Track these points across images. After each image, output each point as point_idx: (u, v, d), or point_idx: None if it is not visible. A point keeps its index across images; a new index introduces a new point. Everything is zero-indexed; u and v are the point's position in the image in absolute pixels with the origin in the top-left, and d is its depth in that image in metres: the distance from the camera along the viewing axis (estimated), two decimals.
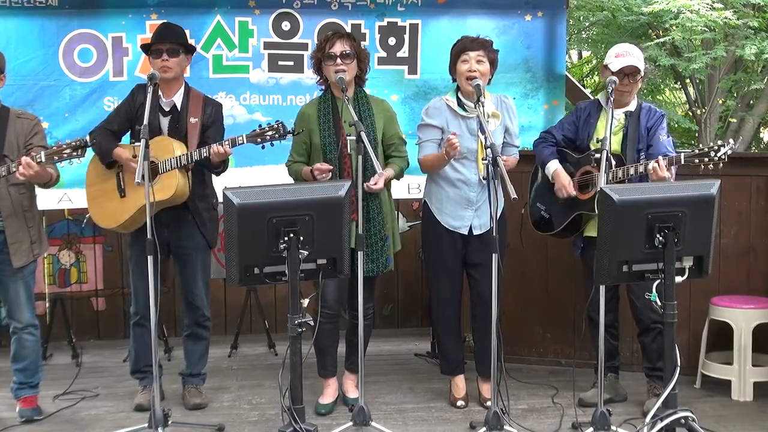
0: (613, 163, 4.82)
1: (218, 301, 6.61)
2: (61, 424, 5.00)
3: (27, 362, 5.04)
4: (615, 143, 4.96)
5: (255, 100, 6.48)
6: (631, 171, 4.74)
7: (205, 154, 4.80)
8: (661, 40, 13.34)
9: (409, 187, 6.30)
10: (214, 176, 5.21)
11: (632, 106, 5.05)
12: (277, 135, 4.75)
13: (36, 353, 5.11)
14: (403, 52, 6.56)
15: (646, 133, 4.97)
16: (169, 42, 5.02)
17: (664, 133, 4.97)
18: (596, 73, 15.70)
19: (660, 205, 3.96)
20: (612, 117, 4.76)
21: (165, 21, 5.28)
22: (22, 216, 4.89)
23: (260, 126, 4.78)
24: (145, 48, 5.16)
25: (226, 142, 4.78)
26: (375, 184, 4.78)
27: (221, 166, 5.01)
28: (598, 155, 4.65)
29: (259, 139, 4.76)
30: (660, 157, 4.62)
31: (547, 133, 5.32)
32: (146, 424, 4.49)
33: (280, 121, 4.78)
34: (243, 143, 4.79)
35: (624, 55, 4.96)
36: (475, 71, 4.90)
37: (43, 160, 4.63)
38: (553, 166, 5.12)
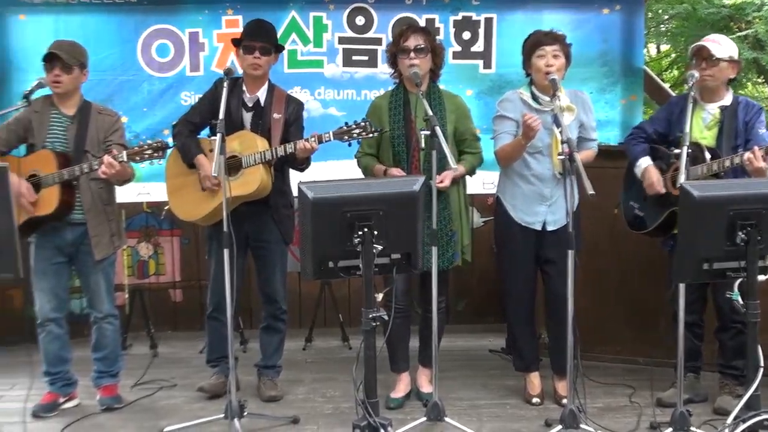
0: (708, 156, 4.71)
1: (293, 294, 6.66)
2: (140, 413, 5.10)
3: (107, 351, 5.16)
4: (710, 138, 4.84)
5: (329, 95, 6.52)
6: (727, 163, 4.60)
7: (290, 150, 4.83)
8: (744, 33, 13.02)
9: (484, 182, 6.26)
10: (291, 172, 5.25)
11: (727, 100, 4.92)
12: (364, 132, 4.76)
13: (116, 343, 5.22)
14: (478, 47, 6.52)
15: (744, 128, 4.82)
16: (262, 40, 5.07)
17: (763, 126, 4.81)
18: (675, 67, 15.38)
19: (742, 201, 3.85)
20: (692, 111, 4.63)
21: (258, 18, 5.32)
22: (103, 210, 4.99)
23: (347, 123, 4.79)
24: (236, 41, 5.21)
25: (312, 138, 4.80)
26: (441, 182, 4.75)
27: (305, 162, 5.04)
28: (677, 150, 4.54)
29: (345, 137, 4.78)
30: (755, 147, 4.48)
31: (638, 128, 5.21)
32: (222, 415, 4.55)
33: (366, 120, 4.80)
34: (330, 140, 4.81)
35: (704, 41, 4.86)
36: (551, 65, 4.84)
37: (125, 159, 4.73)
38: (644, 164, 5.00)
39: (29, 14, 6.46)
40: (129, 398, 5.30)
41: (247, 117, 5.11)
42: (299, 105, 5.28)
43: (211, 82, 5.22)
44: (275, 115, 5.08)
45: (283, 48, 5.44)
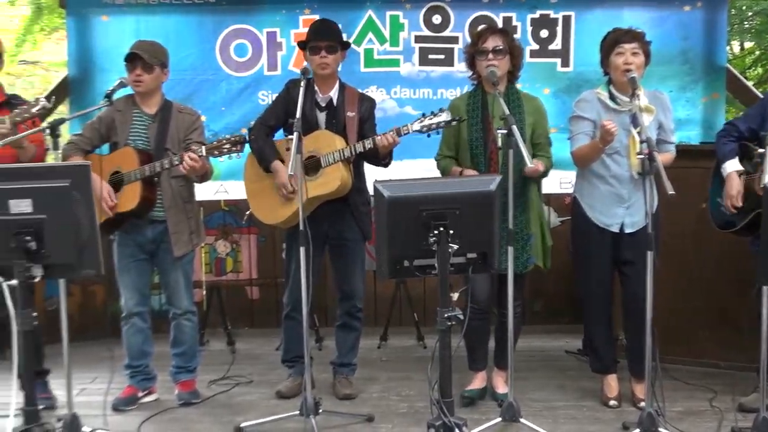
0: None
1: (368, 292, 6.63)
2: (217, 408, 5.16)
3: (185, 347, 5.24)
4: None
5: (405, 94, 6.53)
6: None
7: (369, 146, 4.84)
8: None
9: (561, 181, 6.21)
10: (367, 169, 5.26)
11: None
12: (443, 122, 4.73)
13: (193, 339, 5.30)
14: (556, 45, 6.48)
15: None
16: (326, 39, 5.09)
17: None
18: (760, 64, 15.05)
19: None
20: None
21: (321, 17, 5.35)
22: (182, 207, 5.07)
23: (424, 114, 4.77)
24: (302, 44, 5.24)
25: (392, 132, 4.80)
26: (536, 169, 4.64)
27: (388, 157, 5.04)
28: (761, 150, 4.42)
29: (424, 127, 4.75)
30: None
31: (730, 124, 5.02)
32: (297, 412, 4.58)
33: (445, 108, 4.77)
34: (408, 132, 4.79)
35: None
36: (631, 63, 4.76)
37: (204, 154, 4.80)
38: (729, 168, 4.83)
39: (111, 15, 6.61)
40: (206, 394, 5.37)
41: (321, 117, 5.12)
42: (372, 102, 5.28)
43: (289, 81, 5.25)
44: (349, 114, 5.09)
45: (349, 44, 5.43)
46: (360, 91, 5.29)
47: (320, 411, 4.58)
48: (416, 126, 4.75)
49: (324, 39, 5.08)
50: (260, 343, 6.71)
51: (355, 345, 5.42)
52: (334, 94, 5.15)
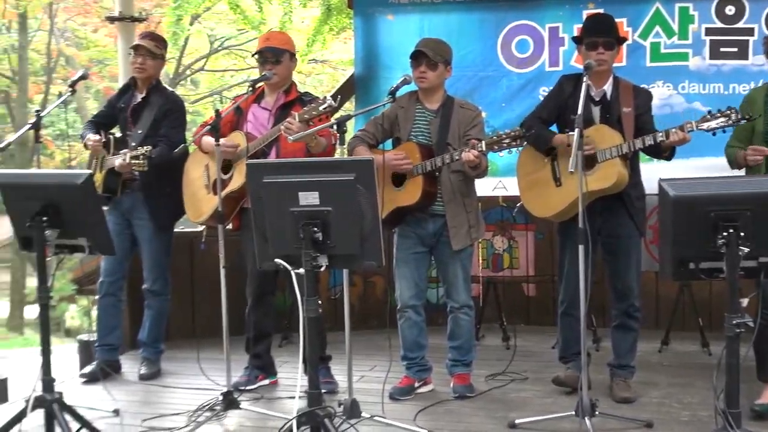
0: None
1: (649, 294, 6.46)
2: (491, 403, 5.18)
3: (461, 341, 5.30)
4: None
5: (694, 89, 6.27)
6: None
7: (650, 142, 4.70)
8: None
9: None
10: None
11: None
12: (729, 121, 4.53)
13: (470, 333, 5.34)
14: None
15: None
16: (604, 35, 4.97)
17: None
18: None
19: None
20: None
21: (597, 12, 5.26)
22: (461, 202, 5.13)
23: (710, 112, 4.59)
24: (576, 39, 5.16)
25: (676, 130, 4.63)
26: None
27: (669, 150, 4.86)
28: None
29: (704, 125, 4.57)
30: None
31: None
32: (573, 412, 4.50)
33: (733, 108, 4.55)
34: (693, 129, 4.61)
35: None
36: None
37: (483, 149, 4.83)
38: None
39: (397, 14, 6.81)
40: (481, 388, 5.40)
41: (596, 111, 5.02)
42: (647, 95, 5.13)
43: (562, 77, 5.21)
44: (625, 109, 4.95)
45: (625, 40, 5.27)
46: (634, 84, 5.13)
47: (596, 413, 4.48)
48: (703, 126, 4.58)
49: (601, 35, 4.96)
50: (536, 340, 6.67)
51: (633, 347, 5.25)
52: (608, 88, 5.03)
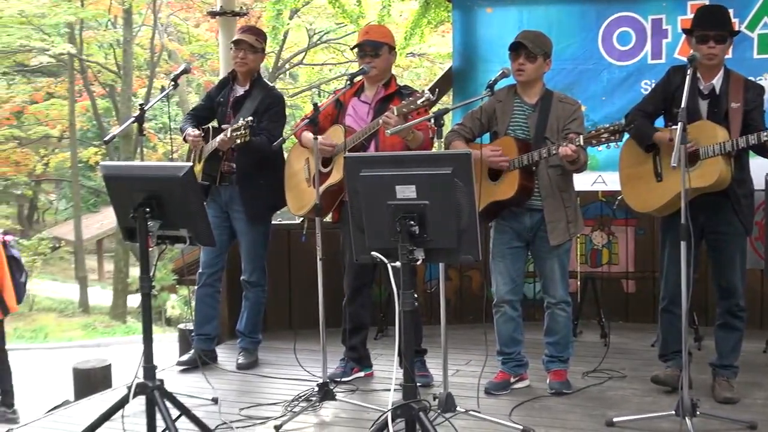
0: None
1: (754, 292, 6.28)
2: (588, 400, 5.12)
3: (558, 337, 5.25)
4: None
5: None
6: None
7: (753, 142, 4.56)
8: None
9: None
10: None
11: None
12: None
13: (567, 329, 5.29)
14: None
15: None
16: (716, 29, 4.84)
17: None
18: None
19: None
20: None
21: (709, 4, 5.11)
22: (559, 196, 5.08)
23: None
24: (686, 30, 5.03)
25: None
26: None
27: None
28: None
29: None
30: None
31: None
32: (673, 411, 4.41)
33: None
34: None
35: None
36: None
37: (582, 143, 4.77)
38: None
39: (496, 7, 6.77)
40: (578, 385, 5.34)
41: (703, 105, 4.90)
42: (759, 90, 4.96)
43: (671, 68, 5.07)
44: (733, 105, 4.81)
45: (738, 33, 5.12)
46: (746, 78, 4.98)
47: (698, 413, 4.39)
48: None
49: (713, 28, 4.83)
50: (635, 337, 6.55)
51: (737, 346, 5.11)
52: (717, 81, 4.89)
